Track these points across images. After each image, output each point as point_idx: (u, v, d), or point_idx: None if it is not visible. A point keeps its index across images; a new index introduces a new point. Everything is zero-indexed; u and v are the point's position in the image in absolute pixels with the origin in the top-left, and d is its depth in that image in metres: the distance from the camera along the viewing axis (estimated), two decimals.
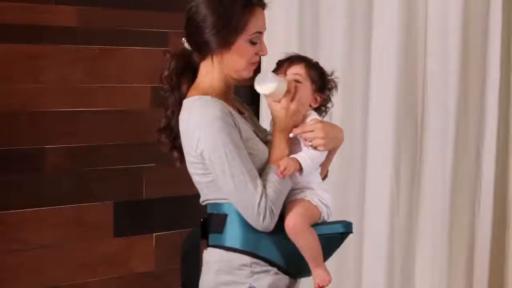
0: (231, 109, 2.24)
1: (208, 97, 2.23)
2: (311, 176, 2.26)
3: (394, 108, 3.65)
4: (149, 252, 3.63)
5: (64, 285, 3.43)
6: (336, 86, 2.35)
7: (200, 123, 2.19)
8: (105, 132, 3.48)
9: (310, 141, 2.20)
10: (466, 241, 3.74)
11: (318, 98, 2.31)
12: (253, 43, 2.22)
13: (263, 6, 2.24)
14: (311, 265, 2.22)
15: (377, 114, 3.65)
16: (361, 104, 3.69)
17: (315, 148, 2.21)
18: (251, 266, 2.24)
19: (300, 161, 2.19)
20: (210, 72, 2.29)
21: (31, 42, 3.25)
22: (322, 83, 2.30)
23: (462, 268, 3.75)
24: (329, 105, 2.36)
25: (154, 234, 3.64)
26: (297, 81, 2.24)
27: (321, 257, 2.23)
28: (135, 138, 3.56)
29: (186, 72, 2.34)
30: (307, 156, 2.20)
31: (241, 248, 2.25)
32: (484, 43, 3.76)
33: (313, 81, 2.28)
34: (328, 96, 2.35)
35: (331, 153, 2.34)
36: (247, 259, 2.24)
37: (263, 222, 2.16)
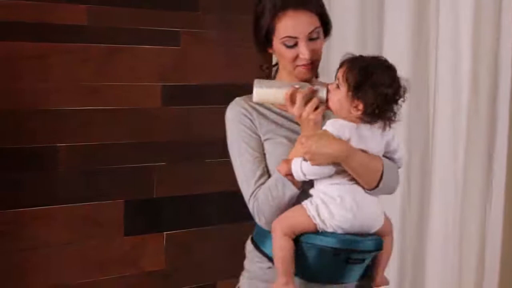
0: (262, 108, 2.27)
1: (237, 98, 2.32)
2: (321, 186, 2.11)
3: (405, 109, 3.64)
4: (159, 251, 3.63)
5: (74, 283, 3.44)
6: (397, 94, 2.07)
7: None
8: (116, 130, 3.48)
9: None
10: (477, 241, 3.73)
11: (360, 106, 2.06)
12: (287, 46, 2.19)
13: (293, 8, 2.17)
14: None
15: None
16: None
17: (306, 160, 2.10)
18: (256, 258, 2.29)
19: (291, 164, 2.12)
20: (280, 68, 2.35)
21: (42, 41, 3.26)
22: (357, 88, 2.05)
23: (472, 267, 3.74)
24: (391, 115, 2.09)
25: (164, 233, 3.64)
26: (337, 86, 2.10)
27: (283, 269, 2.10)
28: (146, 137, 3.56)
29: None
30: (299, 161, 2.10)
31: (254, 240, 2.31)
32: (496, 44, 3.74)
33: (349, 86, 2.06)
34: (378, 105, 2.05)
35: (345, 165, 2.08)
36: (256, 252, 2.28)
37: (258, 221, 2.21)
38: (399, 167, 2.21)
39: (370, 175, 2.09)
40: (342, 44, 3.62)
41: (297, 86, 2.15)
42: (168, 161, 3.61)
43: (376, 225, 2.12)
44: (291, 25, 2.17)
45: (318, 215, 2.08)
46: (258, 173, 2.20)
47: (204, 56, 3.66)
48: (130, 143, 3.52)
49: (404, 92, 2.08)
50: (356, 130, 2.08)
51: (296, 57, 2.20)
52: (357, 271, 2.15)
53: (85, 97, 3.39)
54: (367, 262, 2.15)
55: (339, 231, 2.07)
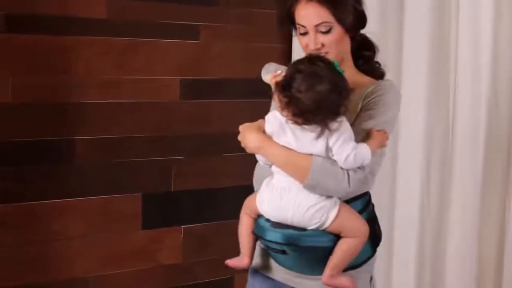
0: None
1: None
2: (274, 173, 2.22)
3: (425, 107, 3.62)
4: (176, 245, 3.63)
5: (91, 276, 3.45)
6: (312, 101, 2.04)
7: None
8: (135, 124, 3.49)
9: None
10: (496, 241, 3.70)
11: (283, 109, 2.13)
12: (301, 33, 2.28)
13: None
14: None
15: (408, 114, 3.63)
16: None
17: None
18: None
19: None
20: None
21: (62, 34, 3.26)
22: (281, 92, 2.10)
23: (491, 268, 3.71)
24: (320, 121, 2.09)
25: (182, 226, 3.65)
26: None
27: (240, 244, 2.30)
28: (165, 130, 3.57)
29: None
30: None
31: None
32: None
33: (277, 89, 2.13)
34: (295, 111, 2.10)
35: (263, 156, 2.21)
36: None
37: None
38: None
39: (290, 171, 2.13)
40: None
41: (279, 72, 2.19)
42: (186, 155, 3.62)
43: (299, 221, 2.14)
44: (302, 15, 2.25)
45: (259, 197, 2.21)
46: None
47: (223, 50, 3.66)
48: (148, 137, 3.53)
49: (327, 100, 2.03)
50: (283, 125, 2.12)
51: (307, 46, 2.27)
52: (297, 261, 2.21)
53: (104, 91, 3.40)
54: (294, 253, 2.16)
55: (268, 217, 2.19)
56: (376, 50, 2.41)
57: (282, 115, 2.09)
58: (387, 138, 2.20)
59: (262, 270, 2.39)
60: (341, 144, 2.08)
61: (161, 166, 3.58)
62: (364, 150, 2.10)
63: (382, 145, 2.19)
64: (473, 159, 3.61)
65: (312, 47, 2.24)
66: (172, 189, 3.61)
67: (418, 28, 3.61)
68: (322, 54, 2.21)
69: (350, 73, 2.27)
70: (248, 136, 2.18)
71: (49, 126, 3.28)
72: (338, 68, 2.08)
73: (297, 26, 2.27)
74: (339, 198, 2.16)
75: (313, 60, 2.08)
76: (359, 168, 2.12)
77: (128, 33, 3.43)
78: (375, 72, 2.39)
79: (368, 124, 2.19)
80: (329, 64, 2.07)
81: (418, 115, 3.63)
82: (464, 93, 3.58)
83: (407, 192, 3.69)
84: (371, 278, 2.32)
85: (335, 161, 2.10)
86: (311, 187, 2.10)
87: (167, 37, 3.52)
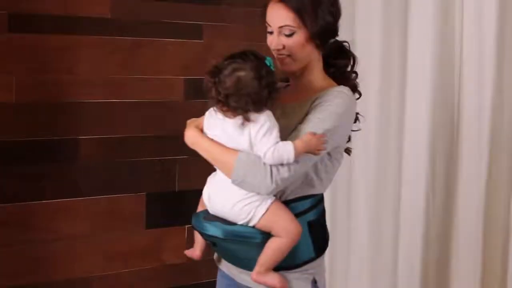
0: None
1: None
2: None
3: (430, 107, 3.62)
4: (180, 244, 3.63)
5: (95, 275, 3.45)
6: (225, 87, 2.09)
7: None
8: (139, 123, 3.49)
9: None
10: (501, 241, 3.70)
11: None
12: (268, 31, 2.28)
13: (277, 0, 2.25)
14: None
15: (413, 115, 3.63)
16: (397, 105, 3.67)
17: None
18: None
19: None
20: None
21: (66, 33, 3.27)
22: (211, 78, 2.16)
23: (497, 268, 3.71)
24: (237, 108, 2.11)
25: (186, 226, 3.65)
26: None
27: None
28: (169, 130, 3.57)
29: None
30: None
31: None
32: None
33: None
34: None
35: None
36: None
37: None
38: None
39: (219, 166, 2.18)
40: (367, 45, 3.62)
41: None
42: (190, 154, 3.58)
43: (228, 216, 2.17)
44: (269, 14, 2.25)
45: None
46: None
47: (226, 49, 3.62)
48: (152, 136, 3.53)
49: (247, 86, 2.05)
50: (213, 117, 2.14)
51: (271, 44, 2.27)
52: (227, 254, 2.27)
53: (108, 90, 3.40)
54: (223, 245, 2.20)
55: (208, 210, 2.25)
56: (352, 59, 2.39)
57: (209, 102, 2.12)
58: (321, 142, 2.13)
59: (217, 262, 2.46)
60: (262, 138, 2.07)
61: (166, 166, 3.58)
62: (287, 147, 2.07)
63: (313, 149, 2.12)
64: (478, 158, 3.60)
65: (273, 47, 2.25)
66: (176, 189, 3.61)
67: (423, 27, 3.61)
68: (283, 56, 2.24)
69: (314, 78, 2.29)
70: (186, 132, 2.24)
71: (53, 125, 3.28)
72: (269, 64, 2.10)
73: (266, 24, 2.28)
74: (275, 196, 2.16)
75: (246, 52, 2.11)
76: (282, 166, 2.09)
77: (132, 33, 3.43)
78: (348, 82, 2.35)
79: (303, 128, 2.15)
80: (260, 59, 2.10)
81: (423, 114, 3.63)
82: (469, 92, 3.58)
83: (412, 192, 3.69)
84: (315, 281, 2.29)
85: (260, 157, 2.09)
86: (238, 184, 2.11)
87: (171, 36, 3.52)
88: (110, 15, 3.37)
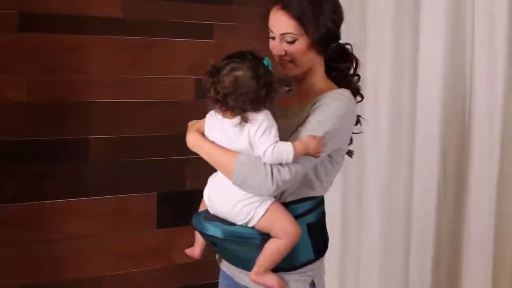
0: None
1: None
2: None
3: (441, 107, 3.61)
4: (191, 244, 3.62)
5: (106, 275, 3.46)
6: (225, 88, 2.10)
7: None
8: (150, 123, 3.50)
9: None
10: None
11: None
12: (270, 36, 2.28)
13: (279, 7, 2.25)
14: None
15: (424, 112, 3.63)
16: (409, 102, 3.66)
17: None
18: None
19: None
20: None
21: (76, 33, 3.28)
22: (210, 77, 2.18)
23: (508, 263, 3.69)
24: (235, 108, 2.11)
25: None
26: None
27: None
28: (180, 129, 3.54)
29: None
30: None
31: None
32: None
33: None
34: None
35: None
36: None
37: None
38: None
39: (220, 168, 2.17)
40: (378, 46, 3.61)
41: None
42: None
43: (228, 216, 2.17)
44: (271, 20, 2.26)
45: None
46: None
47: (237, 49, 3.63)
48: (163, 136, 3.53)
49: (245, 86, 2.05)
50: (213, 119, 2.15)
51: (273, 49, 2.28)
52: (227, 254, 2.28)
53: (118, 90, 3.41)
54: (223, 245, 2.20)
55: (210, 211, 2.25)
56: (355, 62, 2.38)
57: (208, 102, 2.13)
58: (321, 145, 2.12)
59: (218, 262, 2.47)
60: (260, 137, 2.07)
61: (176, 165, 3.58)
62: (287, 147, 2.07)
63: (313, 152, 2.11)
64: (489, 154, 3.60)
65: (275, 53, 2.26)
66: (187, 188, 3.62)
67: (434, 25, 3.60)
68: (285, 61, 2.25)
69: (316, 82, 2.30)
70: (187, 135, 2.25)
71: (64, 125, 3.30)
72: (267, 64, 2.10)
73: (268, 29, 2.28)
74: (275, 197, 2.16)
75: (244, 52, 2.12)
76: (283, 167, 2.09)
77: (143, 33, 3.44)
78: (350, 85, 2.35)
79: (303, 130, 2.15)
80: (258, 59, 2.10)
81: (434, 110, 3.62)
82: (480, 89, 3.57)
83: (424, 188, 3.69)
84: (313, 283, 2.28)
85: (260, 158, 2.08)
86: (240, 185, 2.11)
87: (181, 36, 3.52)
88: (121, 15, 3.38)
